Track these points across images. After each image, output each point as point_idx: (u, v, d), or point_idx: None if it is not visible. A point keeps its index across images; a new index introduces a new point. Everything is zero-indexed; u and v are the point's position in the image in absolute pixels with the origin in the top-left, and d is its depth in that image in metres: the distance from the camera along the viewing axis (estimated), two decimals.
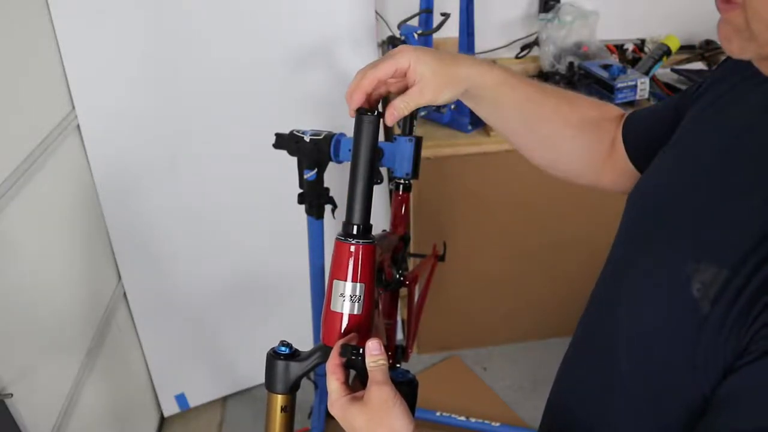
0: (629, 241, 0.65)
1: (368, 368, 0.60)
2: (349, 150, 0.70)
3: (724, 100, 0.61)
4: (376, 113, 0.67)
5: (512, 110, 0.77)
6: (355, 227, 0.66)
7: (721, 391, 0.49)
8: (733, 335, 0.47)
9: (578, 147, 0.80)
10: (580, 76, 1.88)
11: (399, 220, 1.53)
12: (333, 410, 0.62)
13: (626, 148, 0.76)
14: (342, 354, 0.62)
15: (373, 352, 0.61)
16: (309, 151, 1.26)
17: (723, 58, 0.67)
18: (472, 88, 0.73)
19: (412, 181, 1.51)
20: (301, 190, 1.36)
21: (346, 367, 0.63)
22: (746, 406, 0.47)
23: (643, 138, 0.75)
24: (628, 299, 0.60)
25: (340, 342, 0.63)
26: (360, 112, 0.68)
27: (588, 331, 0.70)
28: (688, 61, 2.06)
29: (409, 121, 1.41)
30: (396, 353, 1.50)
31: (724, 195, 0.54)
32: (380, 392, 0.59)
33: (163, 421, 1.99)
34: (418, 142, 1.27)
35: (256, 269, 1.89)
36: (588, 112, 0.80)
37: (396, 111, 0.68)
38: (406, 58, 0.68)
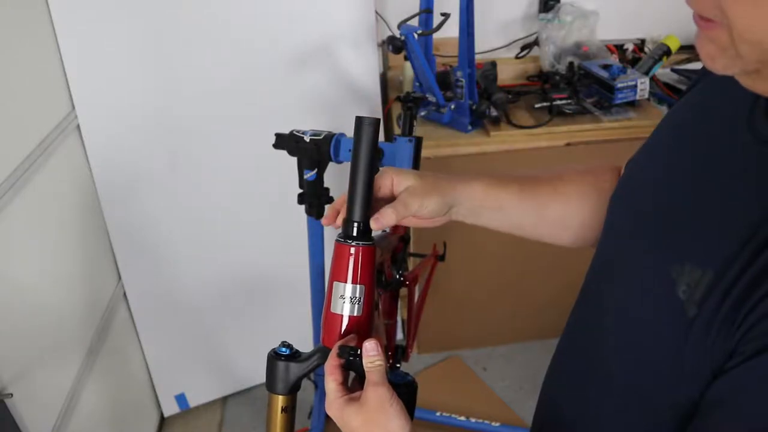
0: (615, 242, 0.64)
1: (365, 369, 0.60)
2: (349, 150, 0.70)
3: (707, 100, 0.60)
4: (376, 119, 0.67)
5: (516, 206, 0.77)
6: (355, 229, 0.66)
7: (709, 394, 0.48)
8: (721, 337, 0.47)
9: (588, 213, 0.78)
10: (580, 76, 1.87)
11: None
12: (330, 411, 0.62)
13: None
14: (340, 355, 0.62)
15: (370, 353, 0.61)
16: (309, 151, 1.26)
17: None
18: (466, 200, 0.73)
19: None
20: (301, 190, 1.36)
21: (345, 368, 0.63)
22: (734, 408, 0.46)
23: None
24: (616, 301, 0.60)
25: (338, 343, 0.63)
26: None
27: (576, 332, 0.70)
28: (688, 61, 2.06)
29: (409, 121, 1.40)
30: (396, 353, 1.50)
31: (709, 197, 0.53)
32: (376, 393, 0.59)
33: (163, 421, 1.99)
34: (418, 142, 1.27)
35: (256, 269, 1.89)
36: (582, 178, 0.79)
37: (383, 218, 0.67)
38: (387, 175, 0.70)
